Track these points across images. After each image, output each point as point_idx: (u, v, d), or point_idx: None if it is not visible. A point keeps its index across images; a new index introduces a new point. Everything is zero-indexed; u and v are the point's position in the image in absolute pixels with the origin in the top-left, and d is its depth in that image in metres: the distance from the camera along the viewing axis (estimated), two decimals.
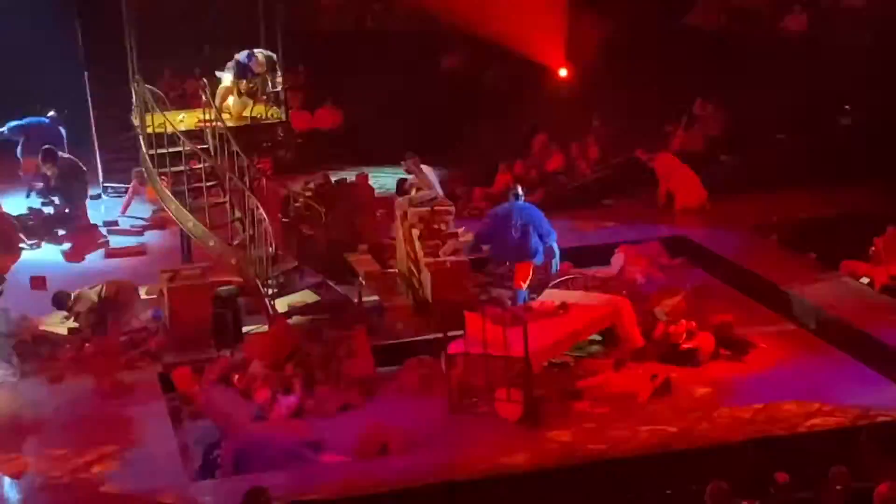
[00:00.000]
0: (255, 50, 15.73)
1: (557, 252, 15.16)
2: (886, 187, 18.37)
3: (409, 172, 16.39)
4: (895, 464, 10.21)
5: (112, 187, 20.39)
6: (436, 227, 15.06)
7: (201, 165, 14.76)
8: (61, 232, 18.36)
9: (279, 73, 16.00)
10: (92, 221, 19.09)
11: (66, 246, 17.88)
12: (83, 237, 18.28)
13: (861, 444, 10.73)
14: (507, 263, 15.32)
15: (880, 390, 12.20)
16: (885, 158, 18.63)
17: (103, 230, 18.91)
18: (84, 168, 19.09)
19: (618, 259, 16.38)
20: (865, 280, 15.52)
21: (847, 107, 20.43)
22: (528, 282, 14.94)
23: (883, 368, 12.75)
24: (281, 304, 14.67)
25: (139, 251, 17.78)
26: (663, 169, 19.00)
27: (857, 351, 13.25)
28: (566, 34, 21.62)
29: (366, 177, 16.51)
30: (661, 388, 12.22)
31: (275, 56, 15.81)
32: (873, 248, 16.02)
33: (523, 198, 15.27)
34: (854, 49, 20.64)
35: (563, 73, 21.82)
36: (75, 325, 14.18)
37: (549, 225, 15.03)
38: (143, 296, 15.04)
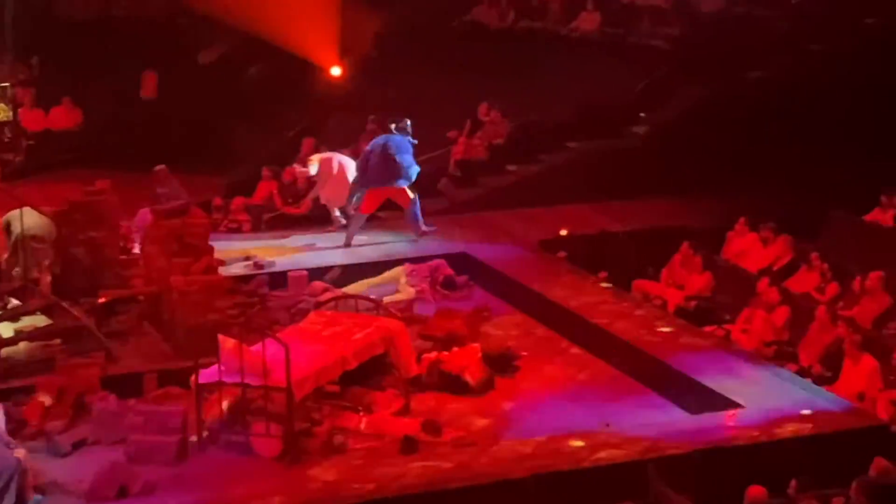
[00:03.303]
0: None
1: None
2: (682, 202, 18.98)
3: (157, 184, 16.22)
4: (683, 497, 10.57)
5: None
6: (188, 241, 14.91)
7: None
8: None
9: None
10: None
11: None
12: None
13: (649, 477, 11.04)
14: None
15: (670, 419, 12.55)
16: (681, 171, 19.17)
17: None
18: None
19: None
20: (658, 301, 16.06)
21: (642, 114, 20.94)
22: (411, 203, 17.80)
23: (672, 395, 13.15)
24: (6, 329, 14.29)
25: None
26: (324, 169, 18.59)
27: (646, 377, 13.64)
28: (339, 29, 21.71)
29: (108, 184, 16.20)
30: (431, 430, 12.30)
31: None
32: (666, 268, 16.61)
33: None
34: (654, 50, 21.24)
35: (335, 71, 21.91)
36: None
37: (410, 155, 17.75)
38: None
